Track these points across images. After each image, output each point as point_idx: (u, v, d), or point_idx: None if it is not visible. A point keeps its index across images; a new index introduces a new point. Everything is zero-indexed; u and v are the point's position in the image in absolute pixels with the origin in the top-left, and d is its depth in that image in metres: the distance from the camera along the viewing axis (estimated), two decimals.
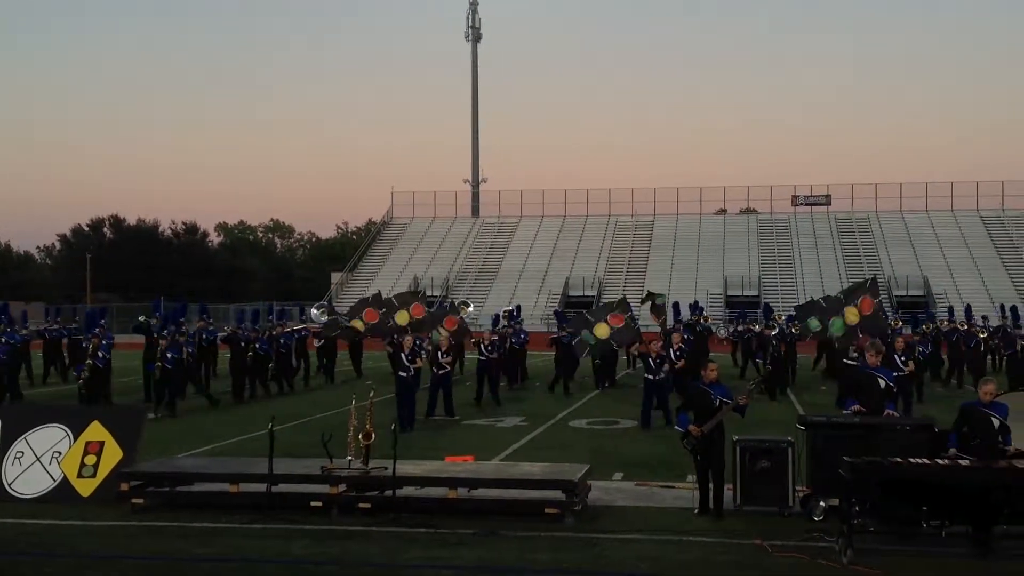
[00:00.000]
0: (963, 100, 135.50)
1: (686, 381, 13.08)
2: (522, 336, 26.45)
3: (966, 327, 26.33)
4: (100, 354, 20.65)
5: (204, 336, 24.79)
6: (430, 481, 11.02)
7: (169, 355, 19.94)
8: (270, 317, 27.84)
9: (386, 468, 10.75)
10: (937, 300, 49.57)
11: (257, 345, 23.44)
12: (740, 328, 29.72)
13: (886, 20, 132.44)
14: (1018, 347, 24.50)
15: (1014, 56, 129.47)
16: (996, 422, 9.70)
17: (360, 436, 11.06)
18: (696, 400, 10.98)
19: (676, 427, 11.14)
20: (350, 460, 11.08)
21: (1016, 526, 9.07)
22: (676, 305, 29.11)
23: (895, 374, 17.91)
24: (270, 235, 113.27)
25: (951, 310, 30.56)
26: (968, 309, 30.08)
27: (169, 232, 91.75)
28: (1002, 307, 29.69)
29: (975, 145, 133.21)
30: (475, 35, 72.33)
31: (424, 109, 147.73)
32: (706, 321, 29.39)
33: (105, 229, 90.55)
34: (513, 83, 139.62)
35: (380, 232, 69.66)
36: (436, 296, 57.94)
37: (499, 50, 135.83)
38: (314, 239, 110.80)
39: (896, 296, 52.34)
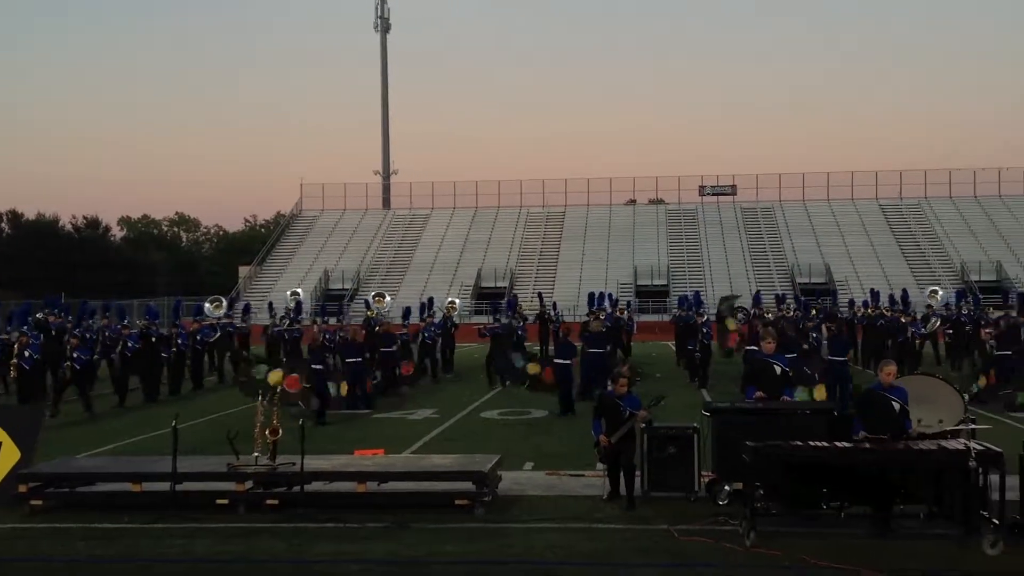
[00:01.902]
0: (860, 91, 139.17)
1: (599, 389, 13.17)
2: (433, 329, 26.40)
3: (891, 313, 27.07)
4: (27, 353, 19.96)
5: (107, 334, 24.21)
6: (339, 475, 10.95)
7: (76, 355, 19.39)
8: (197, 317, 27.37)
9: (294, 463, 10.65)
10: (839, 287, 50.79)
11: (180, 341, 23.21)
12: (679, 314, 30.02)
13: (784, 11, 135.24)
14: (909, 333, 25.23)
15: (909, 46, 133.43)
16: (896, 405, 9.95)
17: (267, 432, 10.93)
18: (606, 409, 11.11)
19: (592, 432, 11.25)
20: (257, 456, 10.93)
21: (912, 505, 9.38)
22: (591, 296, 29.56)
23: (837, 359, 18.57)
24: (175, 229, 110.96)
25: (875, 295, 31.03)
26: (875, 295, 30.82)
27: (70, 227, 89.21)
28: (905, 292, 30.73)
29: (874, 135, 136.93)
30: (384, 25, 71.72)
31: (333, 101, 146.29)
32: (622, 313, 29.81)
33: (2, 224, 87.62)
34: (423, 74, 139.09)
35: (289, 225, 68.70)
36: (347, 289, 57.54)
37: (409, 41, 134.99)
38: (221, 233, 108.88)
39: (799, 283, 53.52)
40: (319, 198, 69.32)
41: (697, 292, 31.50)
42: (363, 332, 23.39)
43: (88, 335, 22.55)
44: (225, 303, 31.37)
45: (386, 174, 71.69)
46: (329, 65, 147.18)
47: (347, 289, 57.67)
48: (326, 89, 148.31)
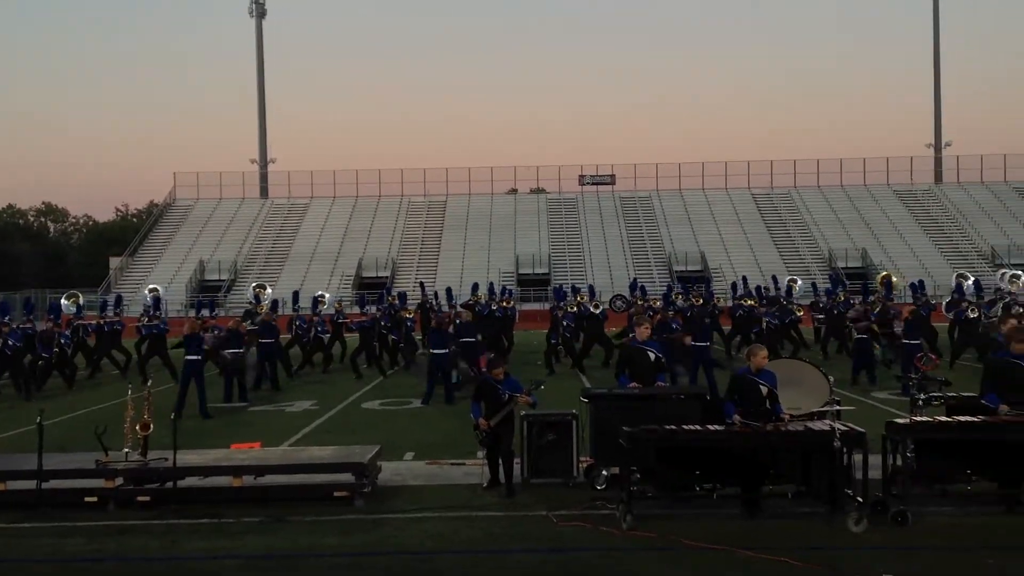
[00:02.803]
0: (734, 84, 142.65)
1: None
2: (320, 327, 26.27)
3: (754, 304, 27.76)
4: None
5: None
6: (214, 470, 10.71)
7: None
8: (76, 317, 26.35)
9: (166, 459, 10.39)
10: (714, 274, 52.09)
11: (63, 341, 22.47)
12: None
13: (665, 3, 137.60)
14: (764, 324, 25.86)
15: (777, 41, 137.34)
16: (764, 389, 10.26)
17: (137, 427, 10.63)
18: (485, 392, 11.16)
19: (471, 414, 11.27)
20: (127, 452, 10.63)
21: (781, 485, 9.69)
22: (448, 290, 29.63)
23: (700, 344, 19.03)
24: (42, 219, 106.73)
25: (742, 284, 31.72)
26: (744, 281, 31.62)
27: None
28: (774, 279, 31.72)
29: (747, 126, 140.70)
30: (259, 11, 70.25)
31: (208, 87, 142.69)
32: (508, 304, 29.92)
33: None
34: (301, 61, 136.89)
35: (162, 215, 66.87)
36: (224, 280, 56.34)
37: (286, 26, 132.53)
38: (91, 223, 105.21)
39: (676, 271, 54.70)
40: (194, 187, 67.71)
41: (559, 285, 31.70)
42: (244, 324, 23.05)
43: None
44: (82, 298, 30.39)
45: (263, 162, 70.34)
46: (203, 50, 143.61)
47: (224, 280, 56.50)
48: (200, 75, 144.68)
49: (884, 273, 32.25)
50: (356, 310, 29.67)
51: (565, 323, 24.80)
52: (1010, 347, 10.17)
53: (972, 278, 31.12)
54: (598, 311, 26.98)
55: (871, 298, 26.15)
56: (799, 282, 36.77)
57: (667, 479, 9.58)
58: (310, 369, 25.29)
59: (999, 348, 11.16)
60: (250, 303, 31.09)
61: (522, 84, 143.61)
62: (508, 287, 37.98)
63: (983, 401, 10.15)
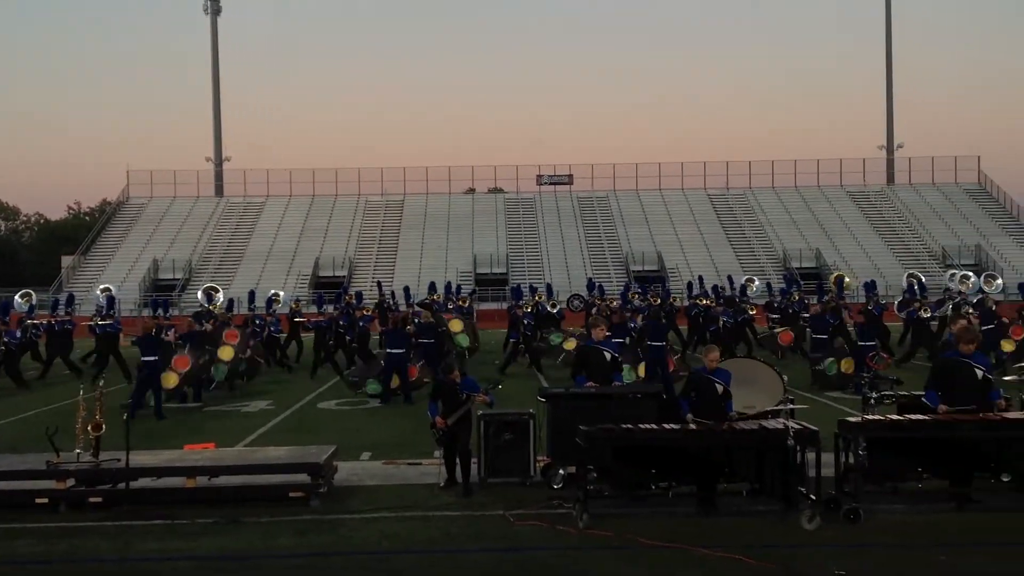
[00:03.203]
0: (694, 84, 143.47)
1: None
2: (275, 326, 26.16)
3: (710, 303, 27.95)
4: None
5: None
6: (167, 471, 10.59)
7: None
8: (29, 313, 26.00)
9: (119, 460, 10.27)
10: (670, 274, 52.42)
11: (6, 339, 22.20)
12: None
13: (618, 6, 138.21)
14: (719, 323, 26.13)
15: (733, 42, 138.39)
16: (719, 388, 10.36)
17: (89, 427, 10.50)
18: (443, 392, 11.14)
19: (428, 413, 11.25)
20: (79, 453, 10.49)
21: (735, 483, 9.79)
22: (431, 285, 29.60)
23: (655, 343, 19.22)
24: None
25: (697, 283, 31.90)
26: (701, 280, 31.87)
27: None
28: (730, 279, 32.00)
29: (704, 127, 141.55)
30: (214, 8, 69.57)
31: (163, 85, 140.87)
32: (464, 303, 29.89)
33: None
34: (257, 58, 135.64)
35: (116, 213, 66.01)
36: (178, 279, 55.76)
37: (242, 24, 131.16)
38: (43, 221, 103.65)
39: (633, 271, 54.98)
40: (147, 185, 66.94)
41: (518, 284, 31.77)
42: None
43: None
44: (35, 297, 29.98)
45: (218, 160, 69.71)
46: (158, 47, 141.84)
47: (178, 279, 55.93)
48: (155, 73, 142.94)
49: (837, 273, 32.64)
50: (314, 309, 29.47)
51: (526, 322, 24.83)
52: (959, 347, 10.33)
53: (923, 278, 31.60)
54: (555, 310, 27.08)
55: (825, 298, 26.47)
56: (756, 281, 37.08)
57: (623, 478, 9.64)
58: (267, 369, 25.11)
59: (949, 348, 11.35)
60: (202, 305, 30.80)
61: (481, 84, 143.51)
62: (462, 286, 37.94)
63: (923, 399, 10.31)
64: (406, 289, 29.76)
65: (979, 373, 10.10)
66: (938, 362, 10.97)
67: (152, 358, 17.40)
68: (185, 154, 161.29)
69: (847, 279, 32.71)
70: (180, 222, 63.55)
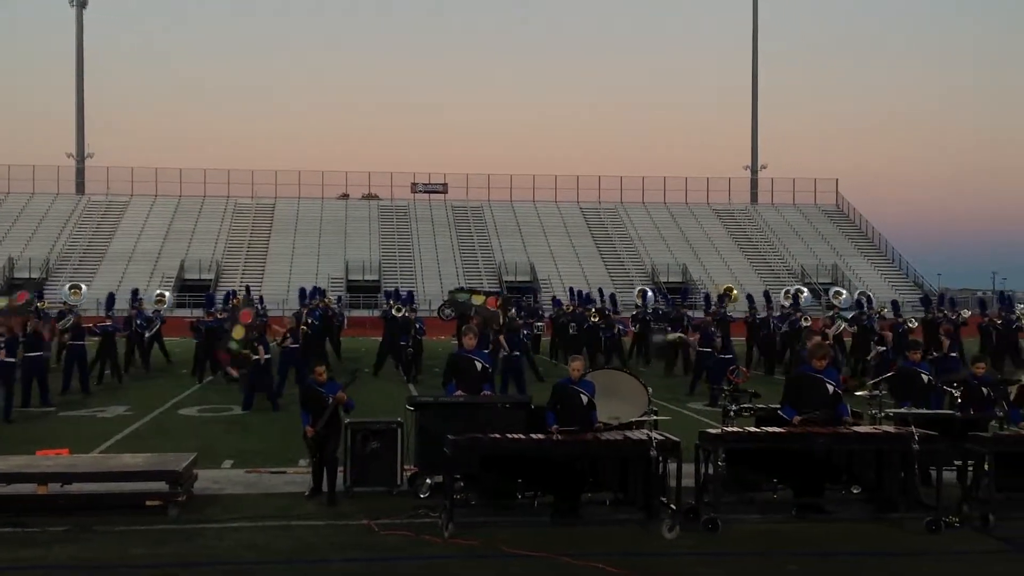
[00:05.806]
0: (564, 100, 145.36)
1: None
2: (140, 322, 25.32)
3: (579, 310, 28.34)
4: None
5: None
6: (17, 477, 10.16)
7: None
8: None
9: None
10: (542, 285, 52.92)
11: None
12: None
13: (499, 8, 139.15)
14: (616, 330, 26.69)
15: (601, 57, 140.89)
16: (584, 398, 10.53)
17: None
18: (311, 398, 11.00)
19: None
20: None
21: (598, 493, 9.95)
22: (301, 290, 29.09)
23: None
24: None
25: (586, 295, 32.14)
26: (575, 292, 32.22)
27: None
28: (600, 291, 32.42)
29: (578, 141, 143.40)
30: (80, 0, 67.17)
31: (23, 78, 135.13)
32: (328, 303, 29.47)
33: None
34: (124, 53, 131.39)
35: None
36: (35, 278, 53.51)
37: (108, 17, 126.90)
38: None
39: (506, 281, 55.32)
40: (4, 180, 64.18)
41: (410, 292, 31.58)
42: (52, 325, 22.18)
43: None
44: None
45: (80, 157, 67.25)
46: (18, 39, 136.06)
47: (34, 278, 53.62)
48: (14, 65, 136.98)
49: (726, 286, 33.44)
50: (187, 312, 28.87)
51: (417, 326, 24.55)
52: (811, 362, 10.74)
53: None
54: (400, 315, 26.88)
55: (712, 308, 27.17)
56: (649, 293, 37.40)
57: (490, 487, 9.70)
58: (134, 370, 24.38)
59: (803, 362, 11.80)
60: (63, 303, 29.61)
61: (356, 89, 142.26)
62: (332, 291, 37.45)
63: (780, 412, 10.69)
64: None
65: (830, 388, 10.53)
66: (791, 377, 11.39)
67: (10, 360, 16.76)
68: (46, 150, 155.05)
69: (734, 292, 33.25)
70: (38, 219, 61.11)
